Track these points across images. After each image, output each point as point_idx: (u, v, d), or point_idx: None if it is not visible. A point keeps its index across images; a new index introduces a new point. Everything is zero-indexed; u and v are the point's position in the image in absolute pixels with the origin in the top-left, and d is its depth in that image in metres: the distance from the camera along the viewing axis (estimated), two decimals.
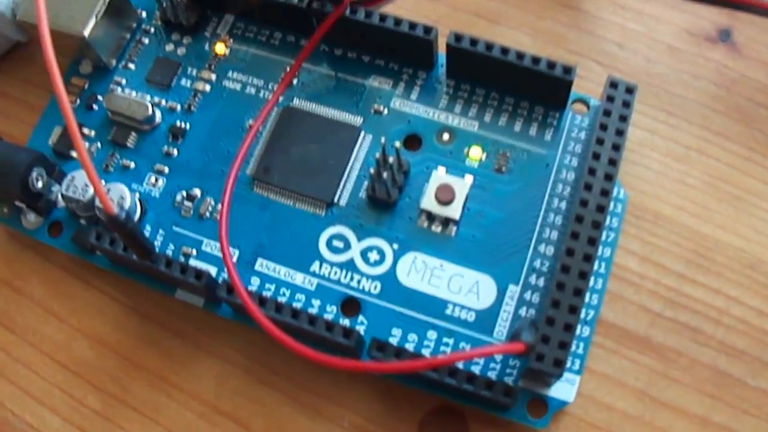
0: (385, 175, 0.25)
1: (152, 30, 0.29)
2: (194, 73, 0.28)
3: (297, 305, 0.25)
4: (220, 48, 0.28)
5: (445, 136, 0.26)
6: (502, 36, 0.29)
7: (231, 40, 0.28)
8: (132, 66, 0.28)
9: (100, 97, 0.28)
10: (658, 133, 0.27)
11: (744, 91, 0.28)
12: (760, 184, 0.27)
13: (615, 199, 0.25)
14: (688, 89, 0.28)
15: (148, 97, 0.28)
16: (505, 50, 0.25)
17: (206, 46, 0.28)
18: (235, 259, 0.25)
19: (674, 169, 0.27)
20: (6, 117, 0.30)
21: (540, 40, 0.29)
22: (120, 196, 0.25)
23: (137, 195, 0.26)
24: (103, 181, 0.26)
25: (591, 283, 0.24)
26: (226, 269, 0.23)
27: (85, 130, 0.28)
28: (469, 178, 0.25)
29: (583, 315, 0.24)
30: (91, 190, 0.25)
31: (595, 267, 0.25)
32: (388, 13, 0.25)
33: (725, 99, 0.28)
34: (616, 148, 0.24)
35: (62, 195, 0.26)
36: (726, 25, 0.29)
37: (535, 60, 0.24)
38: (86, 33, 0.27)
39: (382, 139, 0.24)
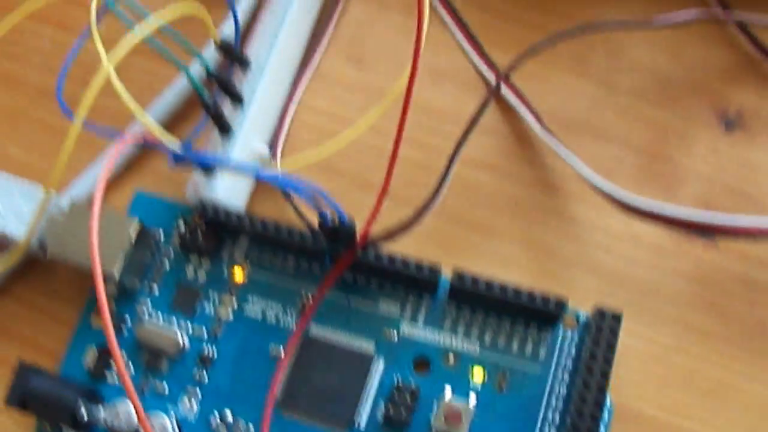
0: (397, 399, 0.28)
1: (172, 254, 0.31)
2: (216, 298, 0.30)
3: None
4: (238, 275, 0.30)
5: (451, 359, 0.29)
6: (496, 251, 0.31)
7: (248, 264, 0.30)
8: (155, 288, 0.30)
9: (127, 318, 0.30)
10: (638, 335, 0.30)
11: (720, 285, 0.30)
12: (737, 376, 0.29)
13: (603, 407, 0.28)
14: (668, 288, 0.30)
15: (175, 323, 0.30)
16: (503, 288, 0.27)
17: (224, 270, 0.31)
18: None
19: (654, 368, 0.29)
20: (34, 328, 0.32)
21: (531, 252, 0.31)
22: (162, 429, 0.28)
23: (175, 420, 0.29)
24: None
25: None
26: None
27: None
28: (473, 398, 0.28)
29: None
30: (134, 421, 0.28)
31: None
32: (396, 254, 0.28)
33: (702, 294, 0.30)
34: (605, 375, 0.27)
35: (106, 424, 0.28)
36: None
37: (531, 297, 0.27)
38: (116, 274, 0.29)
39: (395, 375, 0.28)
